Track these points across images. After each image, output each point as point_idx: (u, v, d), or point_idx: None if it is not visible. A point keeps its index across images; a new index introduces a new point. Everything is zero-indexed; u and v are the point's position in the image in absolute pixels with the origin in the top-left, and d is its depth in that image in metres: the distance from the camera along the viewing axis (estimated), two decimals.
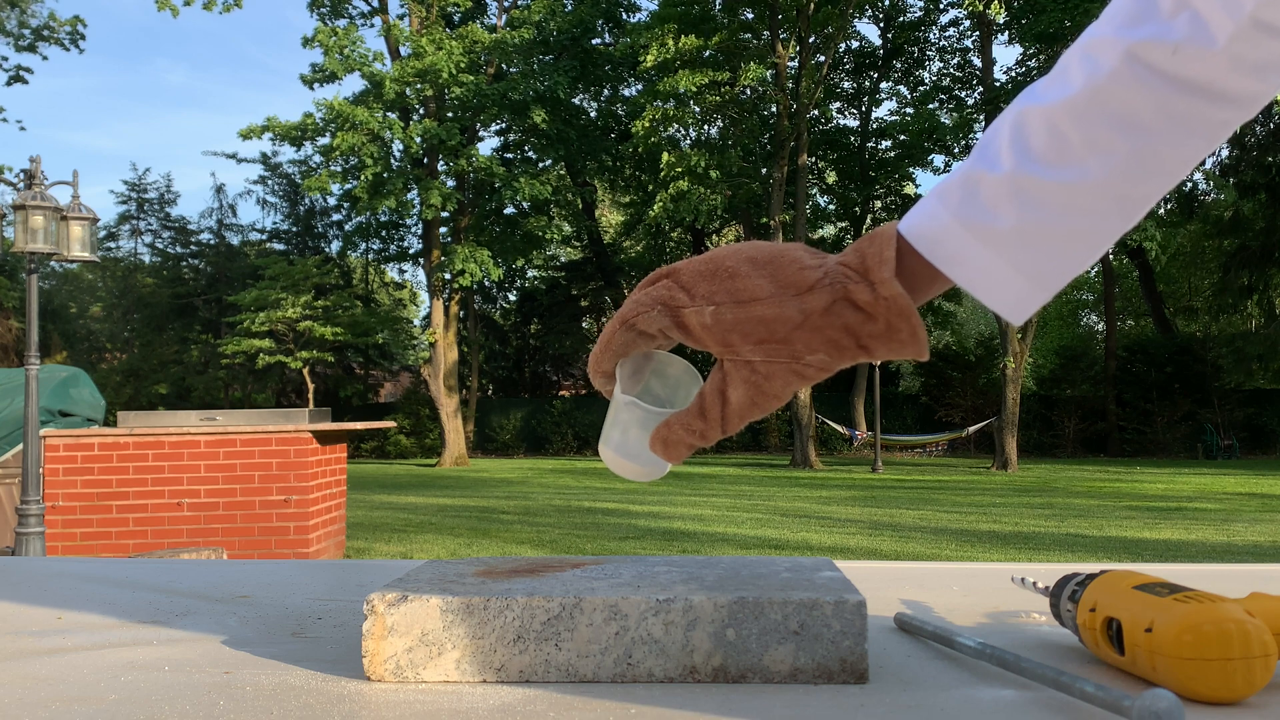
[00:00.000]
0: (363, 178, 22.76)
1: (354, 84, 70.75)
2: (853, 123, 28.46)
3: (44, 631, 0.76)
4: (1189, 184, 25.36)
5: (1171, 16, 0.51)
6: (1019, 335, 20.08)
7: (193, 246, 34.53)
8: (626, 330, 0.60)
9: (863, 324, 0.56)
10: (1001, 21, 21.03)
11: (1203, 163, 0.61)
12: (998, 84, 22.67)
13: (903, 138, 24.95)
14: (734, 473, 18.67)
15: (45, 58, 24.42)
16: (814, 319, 0.56)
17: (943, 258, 0.56)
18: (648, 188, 26.98)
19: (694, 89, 20.58)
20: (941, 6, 25.81)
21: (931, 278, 0.58)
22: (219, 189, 44.62)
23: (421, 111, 24.44)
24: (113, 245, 34.04)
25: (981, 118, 22.16)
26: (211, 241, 34.53)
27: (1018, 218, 0.55)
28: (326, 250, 33.24)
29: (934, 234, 0.57)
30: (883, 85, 28.29)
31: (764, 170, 22.78)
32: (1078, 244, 0.55)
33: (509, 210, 26.10)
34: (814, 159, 26.44)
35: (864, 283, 0.56)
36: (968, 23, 24.95)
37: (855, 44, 27.50)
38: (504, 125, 26.47)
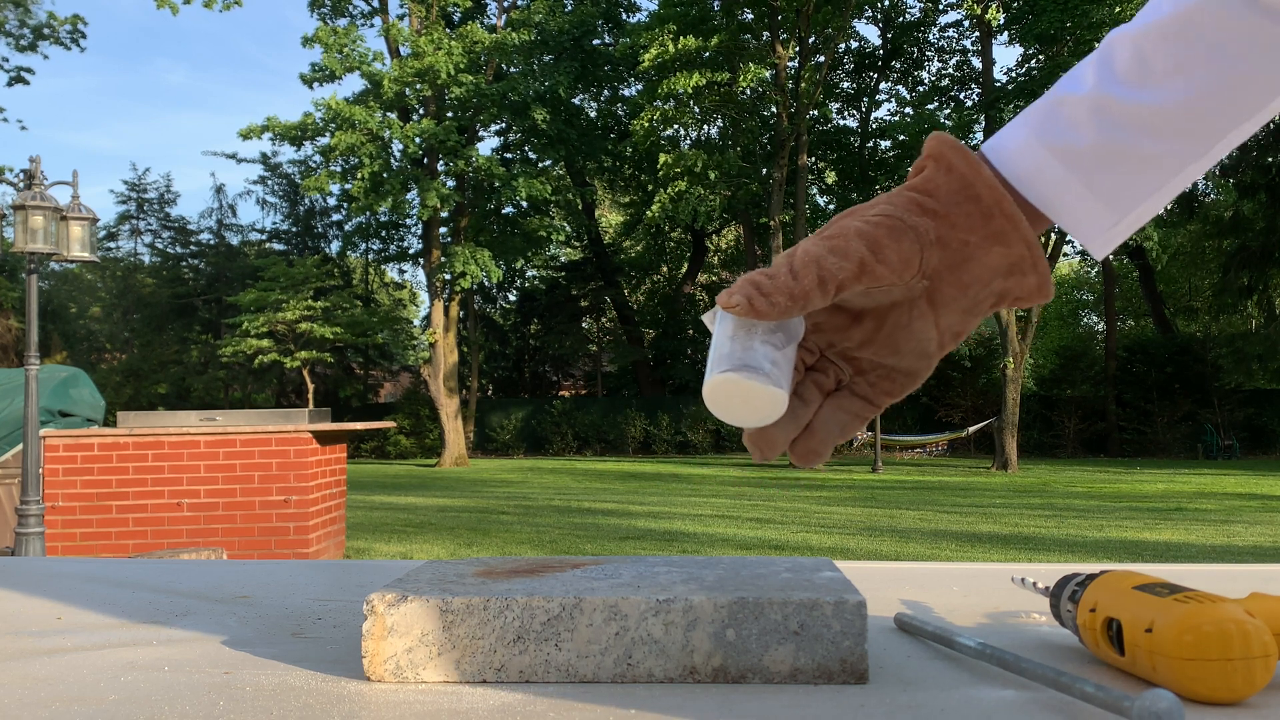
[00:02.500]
0: (359, 176, 22.76)
1: (354, 84, 70.78)
2: (852, 123, 28.48)
3: (44, 631, 0.76)
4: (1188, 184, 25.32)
5: None
6: (1019, 335, 20.09)
7: (192, 246, 34.55)
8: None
9: (915, 178, 0.55)
10: (1001, 22, 21.03)
11: None
12: (998, 84, 22.67)
13: (902, 138, 24.95)
14: (734, 474, 18.67)
15: (46, 56, 24.47)
16: (875, 200, 0.55)
17: (1017, 175, 0.56)
18: (647, 188, 26.99)
19: (693, 89, 20.58)
20: (941, 8, 25.83)
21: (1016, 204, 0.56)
22: (219, 189, 44.67)
23: (421, 111, 24.44)
24: (113, 245, 34.07)
25: (981, 118, 22.16)
26: (211, 242, 34.55)
27: (1096, 136, 0.54)
28: (326, 250, 33.25)
29: (1011, 150, 0.56)
30: (882, 86, 28.30)
31: (764, 170, 22.79)
32: (1154, 170, 0.54)
33: (508, 210, 26.10)
34: (814, 159, 26.44)
35: (921, 190, 0.55)
36: (967, 23, 24.96)
37: (855, 44, 27.51)
38: (504, 125, 26.47)
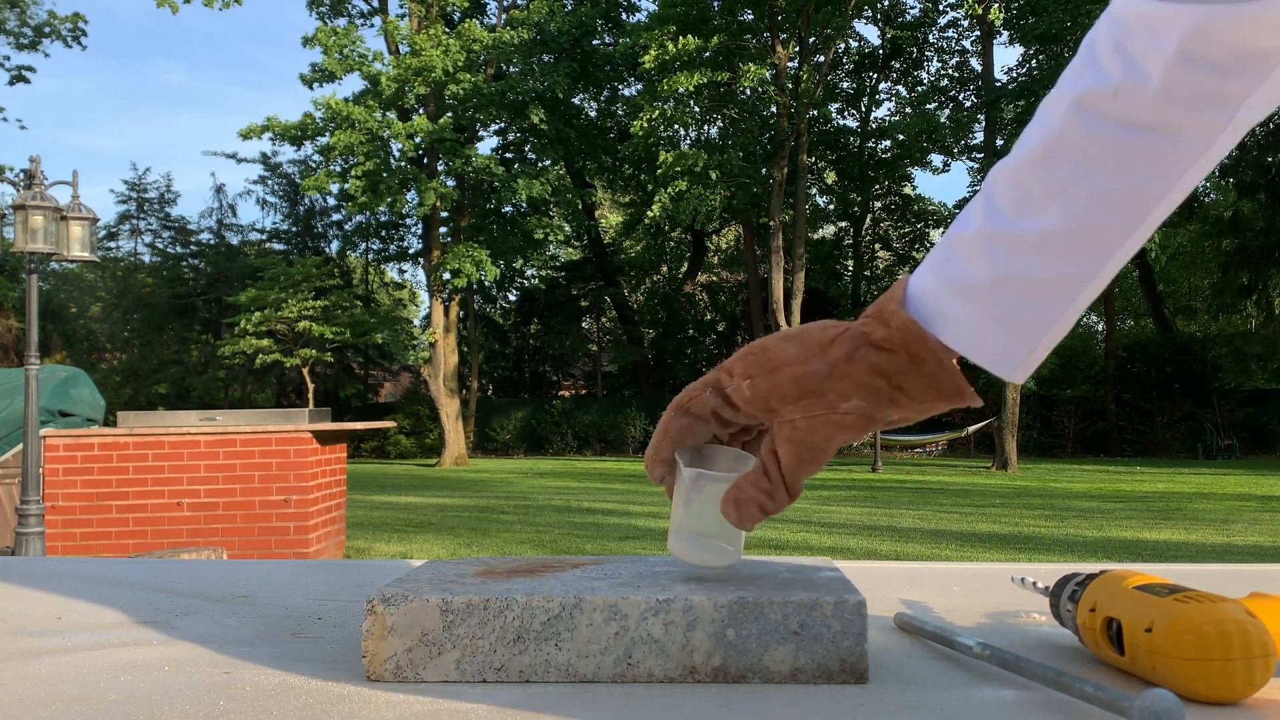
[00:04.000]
0: (355, 174, 22.75)
1: (354, 84, 70.79)
2: (852, 123, 28.48)
3: (44, 631, 0.76)
4: None
5: (1109, 62, 0.54)
6: None
7: (192, 246, 34.54)
8: (681, 415, 0.63)
9: (887, 361, 0.58)
10: (1001, 22, 21.05)
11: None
12: (998, 84, 22.67)
13: (902, 138, 24.97)
14: None
15: (47, 55, 24.49)
16: (840, 367, 0.58)
17: (927, 316, 0.58)
18: (647, 188, 26.98)
19: (693, 89, 20.58)
20: (941, 8, 25.83)
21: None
22: (219, 189, 44.67)
23: (420, 110, 24.44)
24: (113, 245, 34.04)
25: (981, 118, 22.16)
26: (211, 241, 34.53)
27: (990, 270, 0.56)
28: (326, 250, 33.24)
29: (918, 294, 0.59)
30: (882, 86, 28.30)
31: (764, 170, 22.78)
32: (1054, 292, 0.56)
33: (508, 210, 26.10)
34: (814, 159, 26.44)
35: (878, 322, 0.58)
36: (966, 23, 24.96)
37: (854, 44, 27.51)
38: (503, 125, 26.47)
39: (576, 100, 26.64)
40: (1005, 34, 22.45)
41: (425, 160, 24.43)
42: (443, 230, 25.23)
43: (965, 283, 0.57)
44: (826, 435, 0.59)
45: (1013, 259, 0.56)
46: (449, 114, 23.82)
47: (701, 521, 0.63)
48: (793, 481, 0.60)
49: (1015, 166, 0.57)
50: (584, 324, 33.67)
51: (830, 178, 28.69)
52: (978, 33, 23.44)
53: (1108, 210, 0.54)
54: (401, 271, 36.67)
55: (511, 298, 34.69)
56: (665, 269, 33.33)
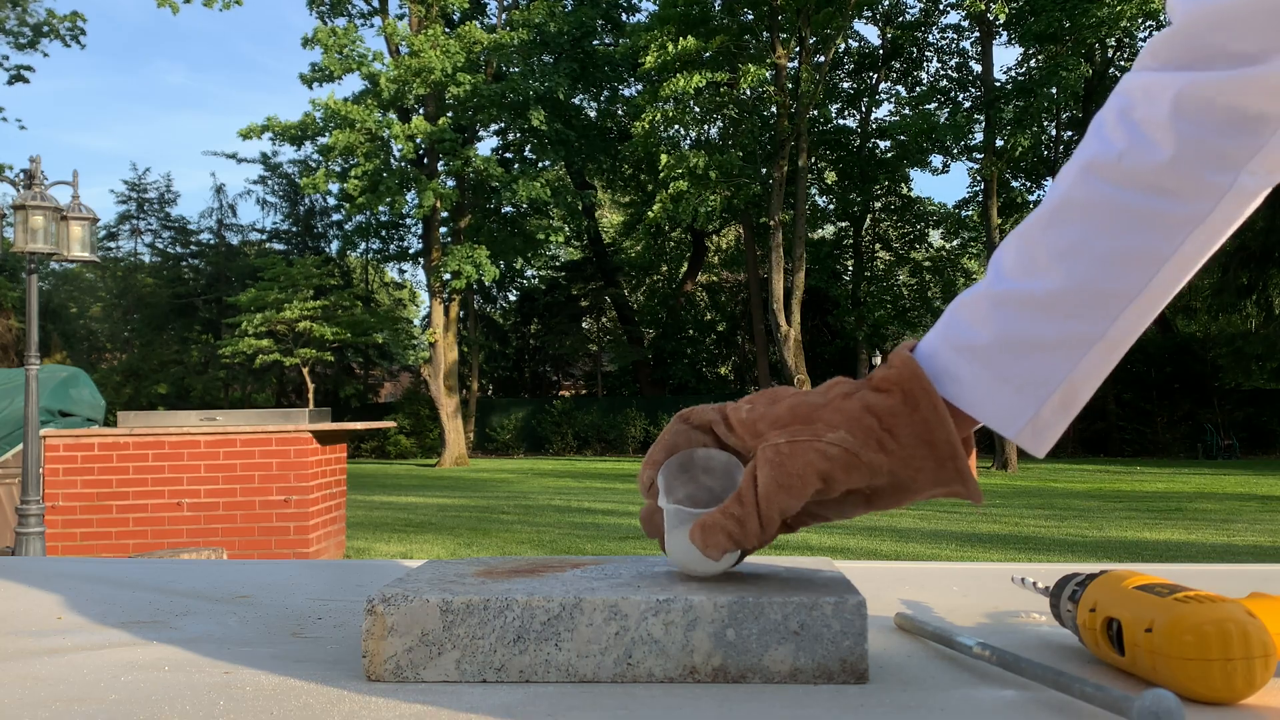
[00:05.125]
0: (353, 174, 22.75)
1: (354, 83, 70.79)
2: (852, 123, 28.47)
3: (44, 631, 0.76)
4: None
5: (1113, 131, 0.56)
6: None
7: (193, 246, 34.55)
8: (679, 422, 0.65)
9: (882, 400, 0.58)
10: (1001, 21, 21.04)
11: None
12: (998, 84, 22.66)
13: (901, 138, 24.96)
14: None
15: (46, 55, 24.49)
16: (836, 402, 0.59)
17: (934, 374, 0.59)
18: (647, 188, 26.98)
19: (693, 90, 20.58)
20: (941, 8, 25.82)
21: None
22: (219, 189, 44.64)
23: (420, 111, 24.44)
24: (113, 245, 34.05)
25: (981, 118, 22.15)
26: (211, 241, 34.54)
27: (995, 330, 0.57)
28: (326, 250, 33.24)
29: (927, 355, 0.60)
30: (881, 86, 28.29)
31: (764, 171, 22.77)
32: (1059, 351, 0.57)
33: (508, 210, 26.10)
34: (814, 159, 26.43)
35: (883, 366, 0.59)
36: (966, 23, 24.95)
37: (854, 44, 27.50)
38: (503, 126, 26.47)
39: (577, 100, 26.63)
40: (1005, 34, 22.45)
41: (425, 160, 24.42)
42: (442, 230, 25.23)
43: (971, 343, 0.58)
44: (805, 461, 0.58)
45: (1018, 319, 0.57)
46: (449, 114, 23.82)
47: (677, 549, 0.64)
48: (766, 509, 0.58)
49: (1023, 232, 0.58)
50: (584, 324, 33.67)
51: (830, 178, 28.68)
52: (977, 33, 23.44)
53: (1112, 271, 0.55)
54: (401, 271, 36.70)
55: (511, 298, 34.70)
56: (665, 269, 33.33)
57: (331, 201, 31.90)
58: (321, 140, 24.07)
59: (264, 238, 34.56)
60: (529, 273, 32.92)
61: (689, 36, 20.77)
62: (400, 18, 24.97)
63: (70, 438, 6.91)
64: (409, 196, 23.61)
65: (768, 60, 21.56)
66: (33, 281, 6.94)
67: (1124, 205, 0.55)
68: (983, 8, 20.29)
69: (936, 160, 26.39)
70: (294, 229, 34.53)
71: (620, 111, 27.21)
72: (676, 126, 22.41)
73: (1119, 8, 18.70)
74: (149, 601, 0.88)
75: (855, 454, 0.57)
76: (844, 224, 30.19)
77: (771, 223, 21.49)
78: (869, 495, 0.61)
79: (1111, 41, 23.94)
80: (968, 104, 24.69)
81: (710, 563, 0.63)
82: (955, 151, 24.79)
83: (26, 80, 23.24)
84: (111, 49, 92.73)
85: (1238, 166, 0.53)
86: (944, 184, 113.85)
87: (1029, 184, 27.48)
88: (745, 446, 0.62)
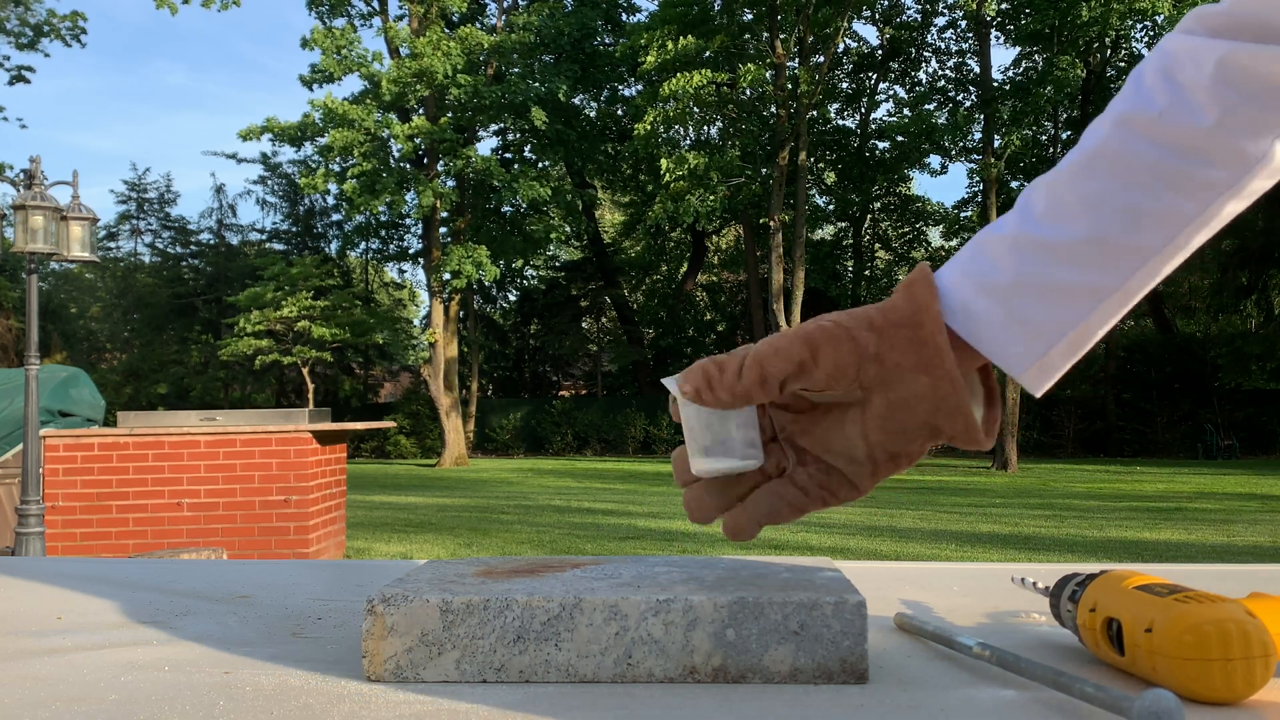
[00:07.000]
0: (351, 173, 22.75)
1: (354, 84, 70.80)
2: (852, 123, 28.48)
3: (44, 631, 0.76)
4: None
5: (1154, 88, 0.56)
6: None
7: (192, 246, 34.55)
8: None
9: (875, 312, 0.58)
10: (995, 16, 21.07)
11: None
12: (995, 84, 22.66)
13: (900, 138, 24.97)
14: None
15: (46, 55, 24.48)
16: (841, 315, 0.59)
17: (949, 309, 0.59)
18: (647, 188, 26.98)
19: (693, 90, 20.58)
20: (940, 9, 25.83)
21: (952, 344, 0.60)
22: (219, 189, 44.63)
23: (420, 111, 24.44)
24: (113, 245, 34.06)
25: (980, 118, 22.15)
26: (211, 241, 34.54)
27: (1015, 271, 0.58)
28: (326, 250, 33.24)
29: (944, 287, 0.60)
30: (880, 86, 28.30)
31: (763, 170, 22.77)
32: (1074, 300, 0.57)
33: (507, 210, 26.11)
34: (813, 159, 26.43)
35: (900, 292, 0.59)
36: (964, 24, 24.96)
37: (853, 44, 27.51)
38: (503, 126, 26.46)
39: (577, 100, 26.63)
40: (1000, 35, 22.45)
41: (425, 160, 24.42)
42: (442, 230, 25.23)
43: (991, 281, 0.58)
44: (796, 330, 0.59)
45: (1038, 262, 0.57)
46: (449, 114, 23.82)
47: (691, 433, 0.62)
48: (750, 362, 0.58)
49: (1053, 178, 0.59)
50: (584, 324, 33.67)
51: (830, 178, 28.69)
52: (972, 35, 23.43)
53: (1137, 226, 0.56)
54: (401, 271, 36.71)
55: (511, 298, 34.70)
56: (665, 269, 33.34)
57: (331, 201, 31.94)
58: (321, 140, 24.07)
59: (264, 238, 34.57)
60: (529, 273, 32.94)
61: (689, 36, 20.77)
62: (400, 18, 24.96)
63: (70, 438, 6.91)
64: (408, 196, 23.61)
65: (767, 60, 21.56)
66: (33, 281, 6.94)
67: (1157, 162, 0.55)
68: (975, 8, 20.32)
69: (935, 161, 26.42)
70: (294, 229, 34.54)
71: (620, 111, 27.21)
72: (676, 127, 22.41)
73: (1109, 4, 18.73)
74: (149, 601, 0.88)
75: (846, 327, 0.58)
76: (843, 224, 30.21)
77: (771, 223, 21.49)
78: (865, 394, 0.58)
79: (1107, 41, 23.94)
80: (967, 104, 24.70)
81: (710, 432, 0.61)
82: (954, 152, 24.80)
83: (27, 80, 23.25)
84: (111, 49, 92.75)
85: (1275, 138, 0.54)
86: (943, 184, 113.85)
87: (1028, 184, 27.51)
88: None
